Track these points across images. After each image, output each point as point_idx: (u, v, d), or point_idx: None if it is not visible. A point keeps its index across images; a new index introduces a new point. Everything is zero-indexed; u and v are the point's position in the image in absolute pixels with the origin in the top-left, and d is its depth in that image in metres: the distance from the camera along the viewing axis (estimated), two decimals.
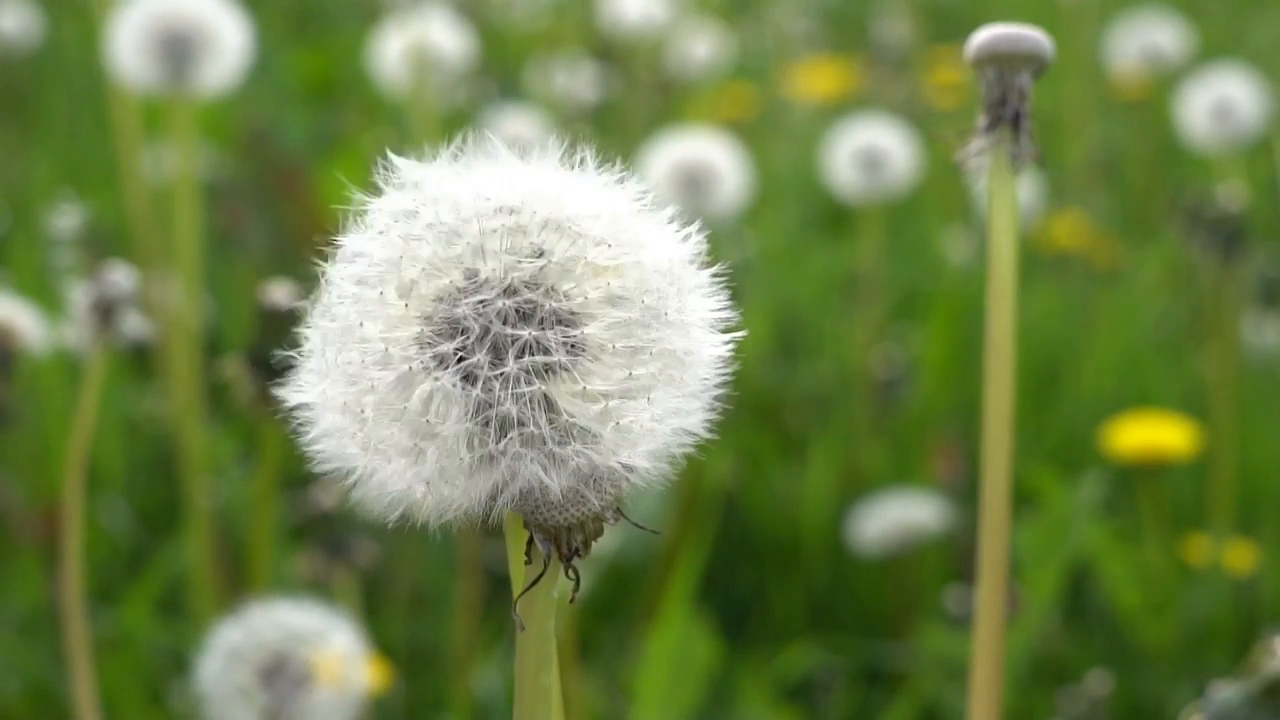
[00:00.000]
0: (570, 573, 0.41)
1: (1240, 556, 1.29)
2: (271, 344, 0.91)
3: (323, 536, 1.02)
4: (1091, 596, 1.30)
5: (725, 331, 0.42)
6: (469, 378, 0.40)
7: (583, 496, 0.40)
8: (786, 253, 1.78)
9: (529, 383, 0.40)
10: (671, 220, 0.42)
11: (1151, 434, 1.32)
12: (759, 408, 1.56)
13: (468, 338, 0.40)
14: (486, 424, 0.40)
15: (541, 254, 0.41)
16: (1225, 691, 0.57)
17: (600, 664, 1.26)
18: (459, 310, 0.41)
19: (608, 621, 1.32)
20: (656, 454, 0.41)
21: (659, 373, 0.41)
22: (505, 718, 1.18)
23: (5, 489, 1.34)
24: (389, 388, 0.41)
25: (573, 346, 0.40)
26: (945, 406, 1.55)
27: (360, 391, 0.41)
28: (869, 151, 1.64)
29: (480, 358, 0.40)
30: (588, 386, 0.40)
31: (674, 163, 1.51)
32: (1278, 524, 1.37)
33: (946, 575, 1.35)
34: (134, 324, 0.80)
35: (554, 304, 0.41)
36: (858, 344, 1.58)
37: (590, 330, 0.41)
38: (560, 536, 0.40)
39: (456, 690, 1.18)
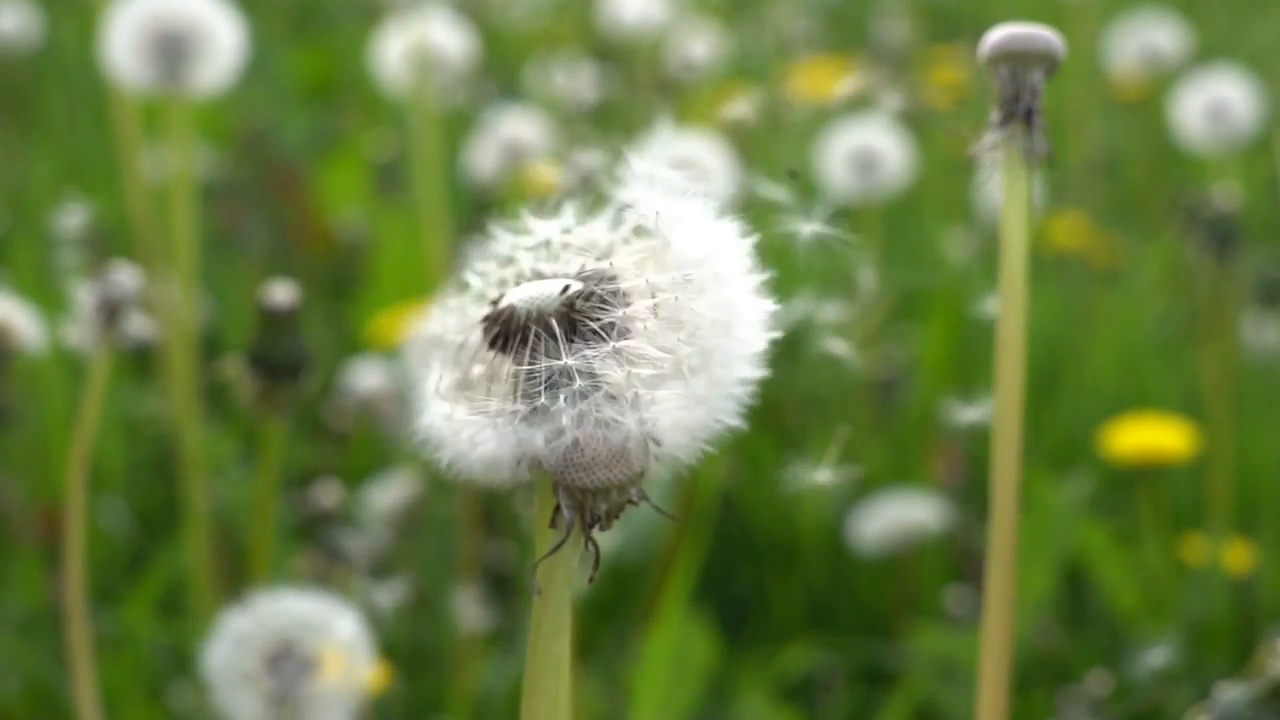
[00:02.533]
0: (589, 545, 0.42)
1: (1238, 557, 1.29)
2: (271, 344, 0.91)
3: (323, 536, 1.02)
4: (1090, 597, 1.30)
5: (768, 330, 0.44)
6: (518, 340, 0.42)
7: (612, 461, 0.41)
8: (786, 253, 1.78)
9: (574, 352, 0.41)
10: (719, 214, 0.44)
11: (1150, 435, 1.32)
12: (759, 408, 1.55)
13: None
14: (528, 383, 0.42)
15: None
16: (1231, 693, 0.57)
17: (600, 664, 1.26)
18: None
19: (608, 621, 1.32)
20: (686, 434, 0.42)
21: (700, 359, 0.42)
22: (505, 718, 1.18)
23: (5, 489, 1.34)
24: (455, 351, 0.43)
25: (621, 324, 0.42)
26: (945, 406, 1.55)
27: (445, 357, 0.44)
28: (863, 152, 1.64)
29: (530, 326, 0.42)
30: (631, 364, 0.41)
31: (670, 163, 1.51)
32: (1276, 524, 1.37)
33: (946, 575, 1.35)
34: (138, 324, 0.80)
35: (605, 284, 0.43)
36: (857, 344, 1.58)
37: (638, 309, 0.42)
38: (585, 502, 0.41)
39: (456, 690, 1.19)
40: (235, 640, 0.85)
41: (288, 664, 0.84)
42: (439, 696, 1.22)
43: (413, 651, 1.26)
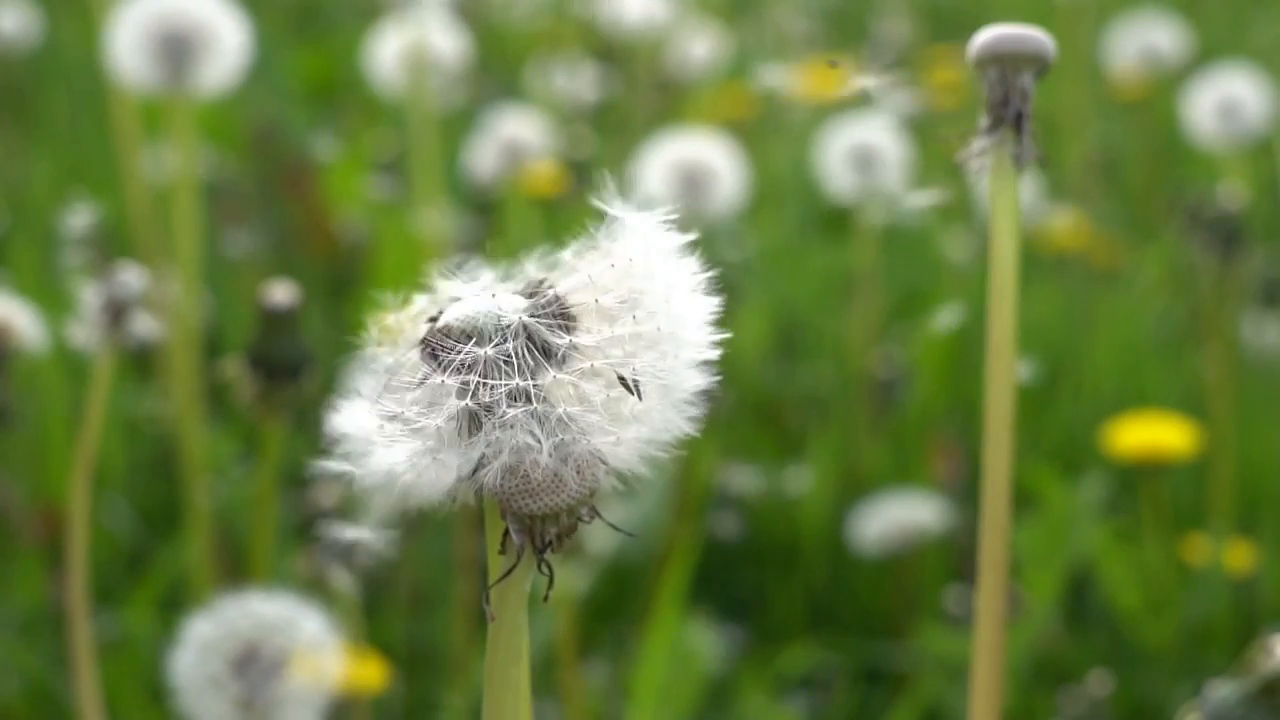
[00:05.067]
0: (544, 567, 0.41)
1: (1240, 556, 1.29)
2: (273, 344, 0.91)
3: (323, 536, 1.02)
4: (1091, 597, 1.30)
5: (717, 335, 0.42)
6: (455, 361, 0.41)
7: (557, 485, 0.40)
8: (786, 253, 1.78)
9: (514, 374, 0.40)
10: (663, 219, 0.43)
11: (1151, 434, 1.32)
12: (759, 408, 1.56)
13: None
14: (467, 406, 0.40)
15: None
16: (1222, 690, 0.57)
17: (600, 664, 1.26)
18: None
19: (608, 622, 1.32)
20: (635, 450, 0.41)
21: (646, 370, 0.41)
22: None
23: (5, 489, 1.34)
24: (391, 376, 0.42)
25: (564, 345, 0.41)
26: (945, 406, 1.55)
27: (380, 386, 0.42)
28: (861, 150, 1.64)
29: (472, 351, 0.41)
30: (574, 385, 0.41)
31: (672, 163, 1.51)
32: (1277, 524, 1.38)
33: (946, 575, 1.35)
34: (143, 324, 0.80)
35: (548, 304, 0.41)
36: (857, 344, 1.58)
37: (580, 330, 0.41)
38: (534, 527, 0.40)
39: (456, 690, 1.19)
40: (200, 646, 0.85)
41: (253, 667, 0.84)
42: (439, 696, 1.22)
43: (413, 651, 1.26)
